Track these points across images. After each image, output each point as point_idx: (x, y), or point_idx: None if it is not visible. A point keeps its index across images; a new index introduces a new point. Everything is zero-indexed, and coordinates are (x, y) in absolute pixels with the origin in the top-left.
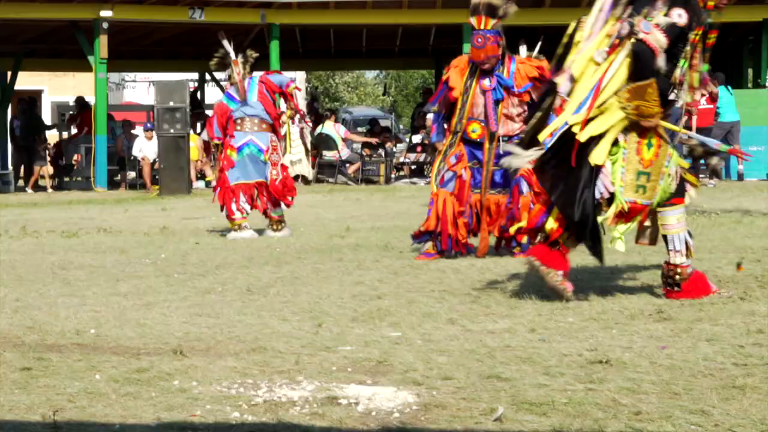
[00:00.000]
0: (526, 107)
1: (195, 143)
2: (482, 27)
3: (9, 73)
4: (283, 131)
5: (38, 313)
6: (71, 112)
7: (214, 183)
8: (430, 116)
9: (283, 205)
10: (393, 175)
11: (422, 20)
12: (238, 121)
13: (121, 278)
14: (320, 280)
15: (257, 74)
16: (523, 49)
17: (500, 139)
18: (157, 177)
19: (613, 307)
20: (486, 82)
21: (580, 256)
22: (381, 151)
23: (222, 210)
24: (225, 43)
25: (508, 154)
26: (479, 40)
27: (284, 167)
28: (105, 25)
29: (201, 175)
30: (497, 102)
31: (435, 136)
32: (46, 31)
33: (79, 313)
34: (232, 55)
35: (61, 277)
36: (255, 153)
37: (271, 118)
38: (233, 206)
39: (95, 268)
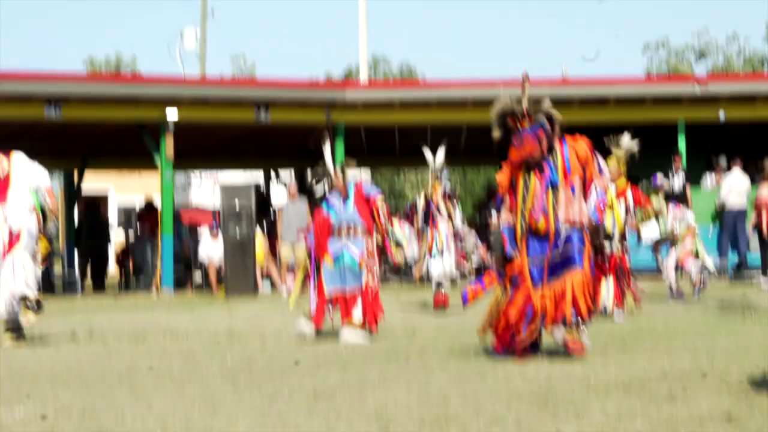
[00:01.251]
0: (588, 190)
1: (260, 245)
2: (521, 127)
3: (75, 173)
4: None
5: (105, 419)
6: (138, 212)
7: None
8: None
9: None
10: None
11: (487, 118)
12: (336, 228)
13: (187, 383)
14: (387, 384)
15: (354, 179)
16: (628, 139)
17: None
18: (223, 279)
19: (681, 412)
20: (540, 173)
21: (644, 362)
22: None
23: (312, 308)
24: (326, 152)
25: (570, 239)
26: (516, 141)
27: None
28: (171, 126)
29: (266, 277)
30: (553, 189)
31: (509, 248)
32: (113, 131)
33: (146, 419)
34: (331, 167)
35: (128, 382)
36: (349, 262)
37: (366, 225)
38: (325, 312)
39: (162, 373)
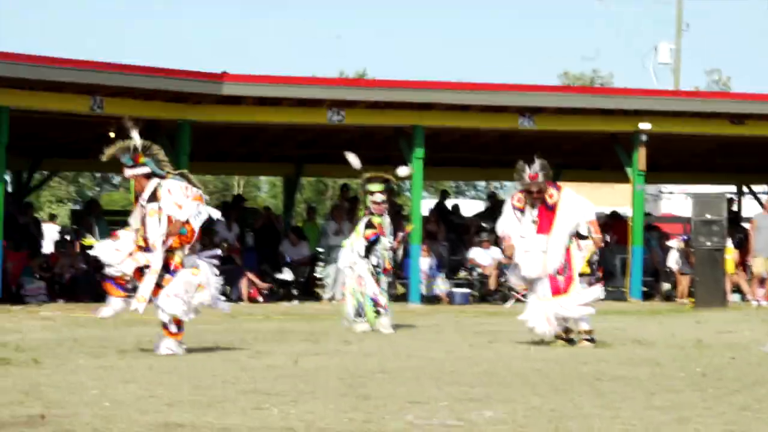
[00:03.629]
0: None
1: (730, 256)
2: None
3: None
4: None
5: (572, 424)
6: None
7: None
8: None
9: None
10: None
11: None
12: None
13: (655, 392)
14: None
15: None
16: None
17: None
18: (692, 289)
19: None
20: None
21: None
22: None
23: None
24: None
25: None
26: None
27: None
28: (644, 138)
29: (736, 289)
30: None
31: None
32: (587, 142)
33: (612, 426)
34: None
35: (596, 389)
36: None
37: None
38: None
39: (629, 381)
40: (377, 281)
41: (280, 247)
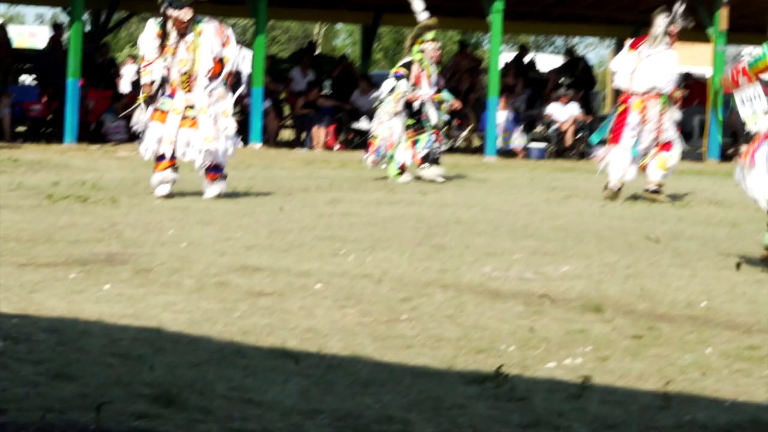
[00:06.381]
0: None
1: None
2: None
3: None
4: None
5: (649, 281)
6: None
7: None
8: None
9: None
10: None
11: None
12: None
13: (731, 252)
14: None
15: None
16: None
17: None
18: None
19: None
20: None
21: None
22: None
23: None
24: None
25: None
26: None
27: None
28: None
29: None
30: None
31: None
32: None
33: (690, 284)
34: None
35: (672, 247)
36: None
37: None
38: None
39: (706, 240)
40: (416, 135)
41: (351, 96)
